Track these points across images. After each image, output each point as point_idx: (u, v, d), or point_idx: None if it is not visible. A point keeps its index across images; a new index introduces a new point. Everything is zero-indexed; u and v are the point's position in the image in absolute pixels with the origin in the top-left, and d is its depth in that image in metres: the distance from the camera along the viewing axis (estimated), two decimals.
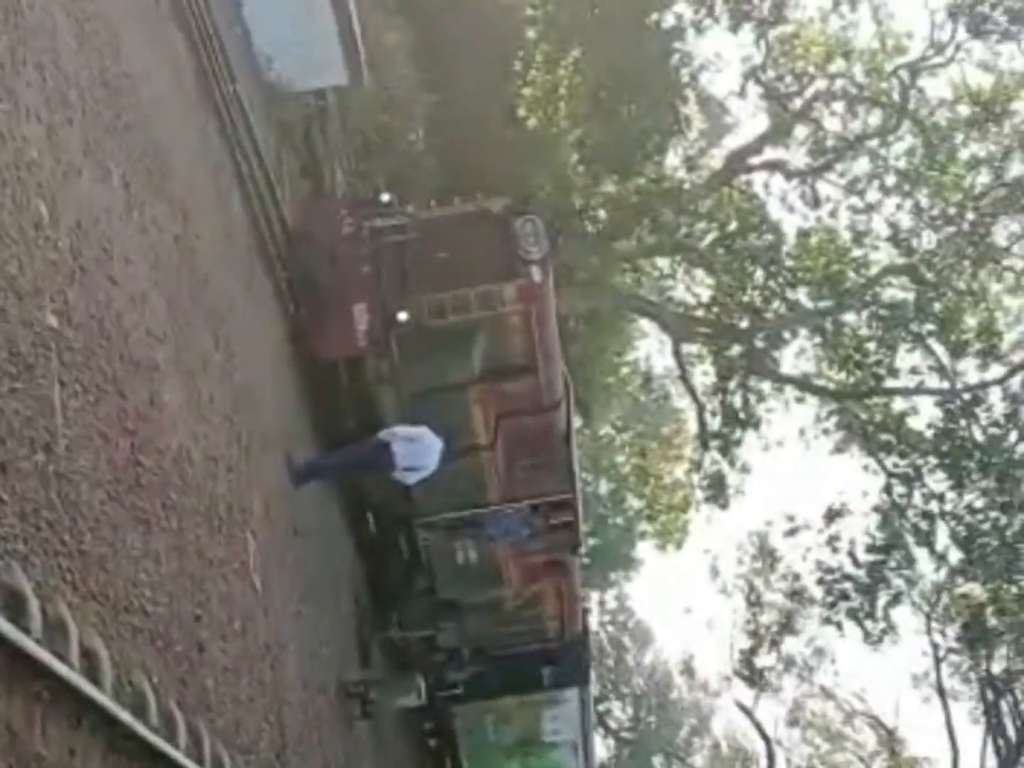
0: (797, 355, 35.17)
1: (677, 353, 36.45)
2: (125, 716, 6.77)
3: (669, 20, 30.88)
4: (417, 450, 16.08)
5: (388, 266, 17.81)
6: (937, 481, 32.48)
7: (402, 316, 17.44)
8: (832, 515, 35.11)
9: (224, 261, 13.46)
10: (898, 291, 32.72)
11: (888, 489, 33.82)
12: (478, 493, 19.92)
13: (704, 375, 37.00)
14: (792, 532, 37.80)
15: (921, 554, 33.67)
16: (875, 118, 32.97)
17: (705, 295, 36.05)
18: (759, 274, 33.25)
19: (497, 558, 21.62)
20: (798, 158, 34.03)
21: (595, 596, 52.83)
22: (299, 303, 17.44)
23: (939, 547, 33.17)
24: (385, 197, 18.90)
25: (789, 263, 33.14)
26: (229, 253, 14.02)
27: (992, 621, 33.33)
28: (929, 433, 32.46)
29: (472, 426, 19.04)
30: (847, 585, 34.71)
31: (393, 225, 18.10)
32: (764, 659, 44.98)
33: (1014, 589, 31.94)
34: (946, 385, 32.55)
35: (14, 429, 6.39)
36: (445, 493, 19.11)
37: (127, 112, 10.20)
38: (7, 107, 7.39)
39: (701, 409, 36.69)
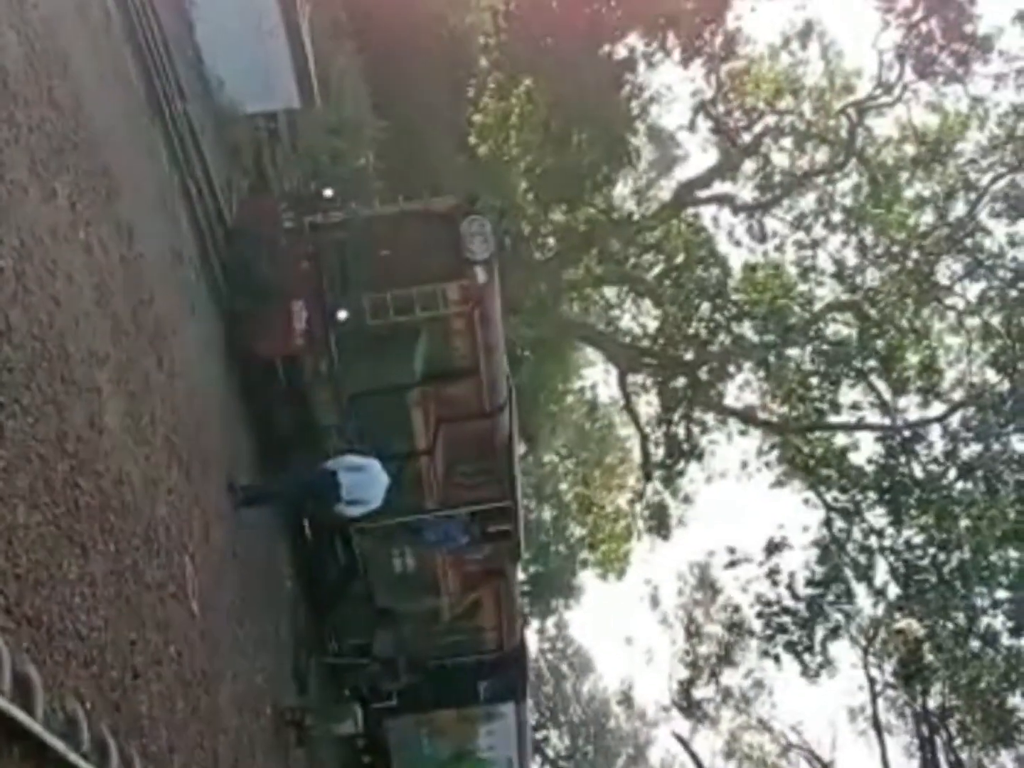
0: (741, 388, 35.42)
1: (622, 383, 36.60)
2: (56, 743, 6.69)
3: (621, 52, 31.10)
4: (363, 481, 15.67)
5: (329, 263, 17.31)
6: (877, 516, 32.80)
7: (342, 315, 17.01)
8: (772, 548, 35.22)
9: (169, 281, 13.36)
10: (842, 327, 33.11)
11: (828, 523, 34.04)
12: (416, 499, 19.25)
13: (648, 405, 37.22)
14: (733, 564, 37.84)
15: (860, 589, 33.90)
16: (822, 155, 33.34)
17: (651, 326, 36.24)
18: (705, 306, 33.48)
19: (435, 566, 21.15)
20: (746, 192, 34.37)
21: (535, 623, 52.72)
22: (236, 300, 16.60)
23: (878, 582, 33.46)
24: (327, 192, 18.43)
25: (735, 296, 33.40)
26: (175, 274, 13.93)
27: (929, 657, 33.54)
28: (869, 469, 32.72)
29: (411, 430, 18.52)
30: (786, 618, 34.85)
31: (334, 222, 17.62)
32: (702, 690, 45.03)
33: (951, 625, 32.17)
34: (887, 421, 32.82)
35: None
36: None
37: (75, 132, 10.14)
38: None
39: (645, 439, 36.83)
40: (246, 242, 16.93)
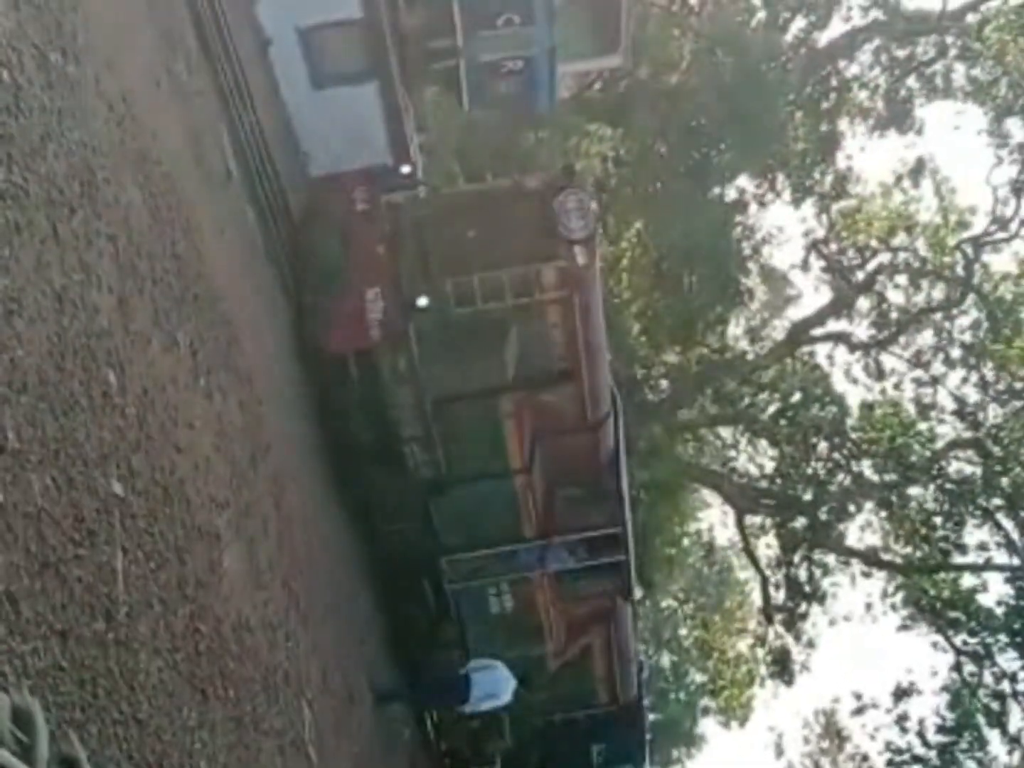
0: (863, 528, 34.67)
1: (740, 524, 36.14)
2: None
3: (731, 194, 31.33)
4: (493, 679, 15.26)
5: (407, 246, 15.67)
6: (1009, 660, 31.63)
7: (422, 302, 15.32)
8: (901, 693, 34.18)
9: (287, 426, 13.56)
10: (965, 465, 32.38)
11: (958, 667, 32.95)
12: (512, 526, 17.50)
13: (768, 547, 36.60)
14: (860, 710, 36.80)
15: (993, 736, 32.64)
16: (939, 291, 33.05)
17: (768, 466, 35.84)
18: (823, 445, 33.05)
19: (537, 606, 18.96)
20: (861, 330, 34.10)
21: None
22: (305, 293, 15.37)
23: (1012, 728, 32.17)
24: (406, 168, 16.94)
25: (853, 435, 32.92)
26: (292, 419, 14.13)
27: None
28: (999, 610, 31.70)
29: (504, 445, 16.65)
30: (917, 767, 33.68)
31: (415, 200, 16.29)
32: None
33: None
34: (1016, 561, 31.93)
35: (76, 596, 6.40)
36: (474, 525, 16.99)
37: (196, 283, 10.41)
38: (80, 277, 7.57)
39: (765, 582, 36.22)
40: (317, 226, 15.80)
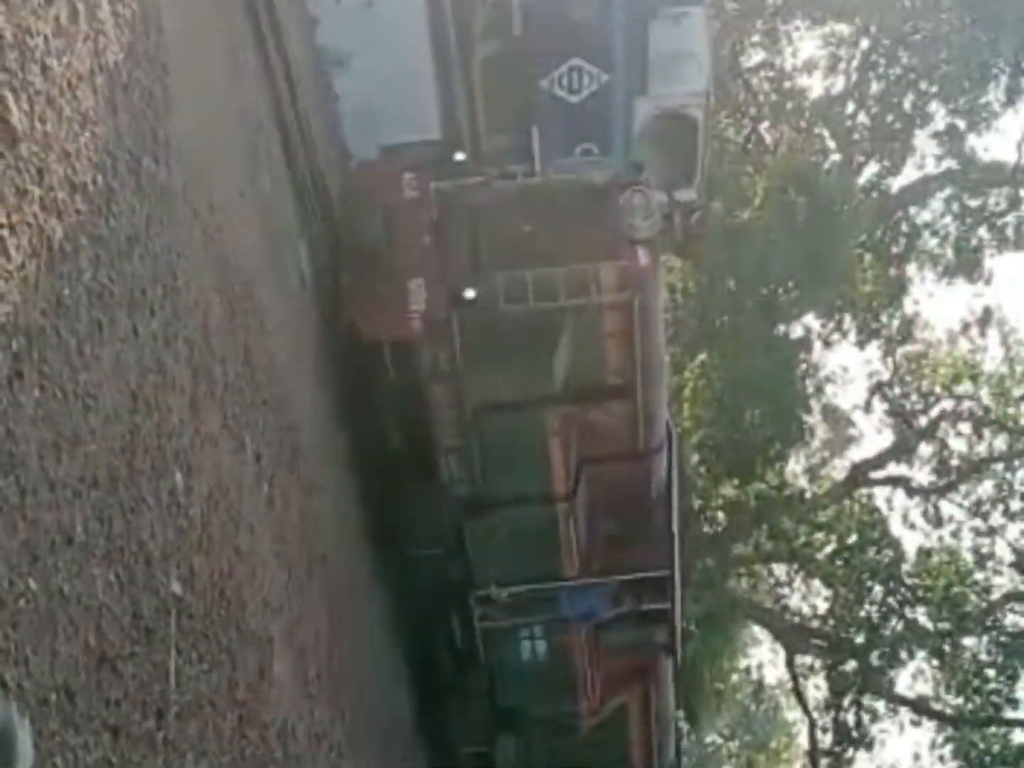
0: (914, 676, 34.06)
1: (790, 664, 35.66)
2: None
3: (797, 331, 31.40)
4: None
5: (457, 237, 14.66)
6: None
7: (469, 294, 14.14)
8: None
9: (343, 541, 13.66)
10: (1020, 618, 31.90)
11: None
12: (551, 561, 16.23)
13: (817, 689, 35.99)
14: None
15: None
16: (1001, 442, 32.77)
17: (821, 606, 35.43)
18: (877, 589, 32.67)
19: (572, 655, 17.52)
20: (922, 475, 33.82)
21: None
22: (343, 276, 14.51)
23: None
24: (459, 156, 15.68)
25: (908, 581, 32.53)
26: (349, 535, 14.23)
27: None
28: None
29: (548, 465, 15.39)
30: None
31: (467, 188, 15.02)
32: None
33: None
34: None
35: (129, 693, 6.49)
36: (510, 558, 15.77)
37: (265, 389, 10.62)
38: (156, 378, 7.75)
39: (812, 724, 35.56)
40: (361, 210, 14.82)
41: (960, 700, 32.71)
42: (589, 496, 16.15)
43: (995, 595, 32.09)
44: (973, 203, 31.43)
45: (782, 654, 36.57)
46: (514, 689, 17.69)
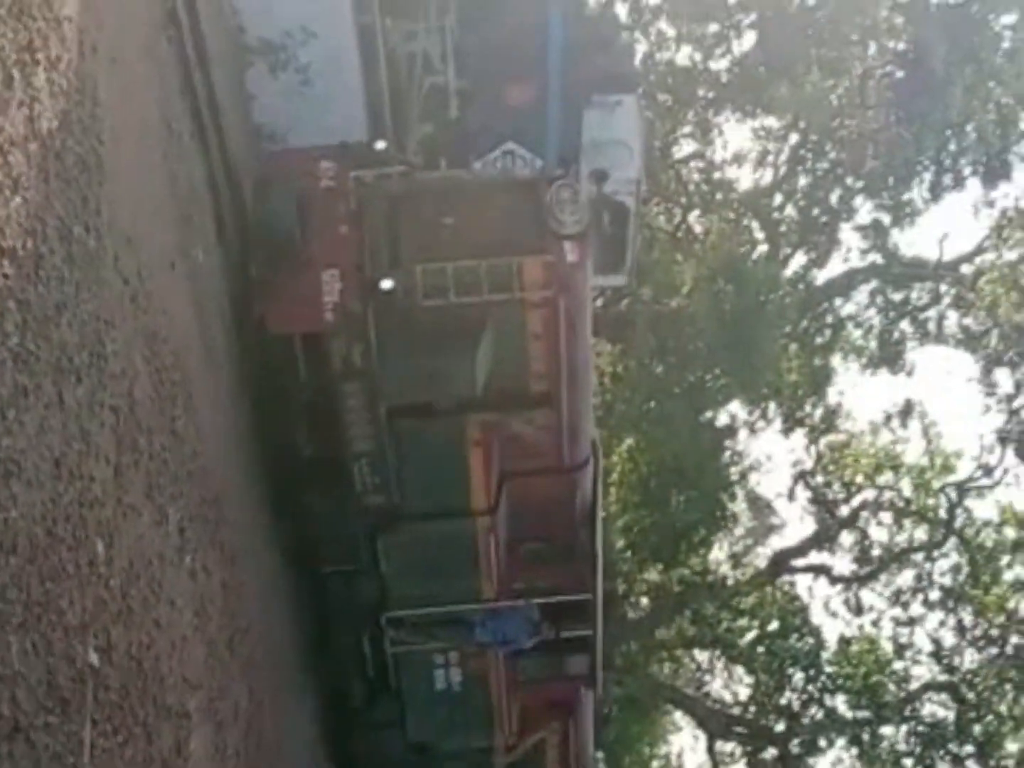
0: (833, 764, 34.01)
1: (711, 750, 35.57)
2: None
3: (723, 419, 31.71)
4: None
5: (375, 228, 13.84)
6: None
7: (386, 284, 13.36)
8: None
9: (267, 612, 13.55)
10: (939, 708, 32.07)
11: None
12: (468, 581, 15.35)
13: None
14: None
15: None
16: (921, 532, 33.11)
17: (743, 693, 35.47)
18: (798, 677, 32.77)
19: (488, 685, 16.56)
20: (843, 564, 34.08)
21: None
22: (253, 266, 13.68)
23: None
24: (380, 144, 14.86)
25: (829, 669, 32.64)
26: (273, 602, 14.13)
27: None
28: None
29: (468, 477, 14.47)
30: None
31: (388, 178, 14.33)
32: None
33: None
34: None
35: (42, 764, 6.40)
36: (426, 575, 14.87)
37: (192, 461, 10.58)
38: (80, 446, 7.73)
39: None
40: (275, 198, 14.05)
41: None
42: (511, 512, 15.28)
43: (914, 685, 32.26)
44: (896, 296, 32.01)
45: (703, 740, 36.49)
46: (426, 721, 16.67)
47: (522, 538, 15.67)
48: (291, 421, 14.14)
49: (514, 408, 14.50)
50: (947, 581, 32.61)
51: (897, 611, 33.20)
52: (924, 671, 32.65)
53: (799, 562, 34.28)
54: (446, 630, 15.91)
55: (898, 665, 32.71)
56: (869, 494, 33.27)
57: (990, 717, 30.76)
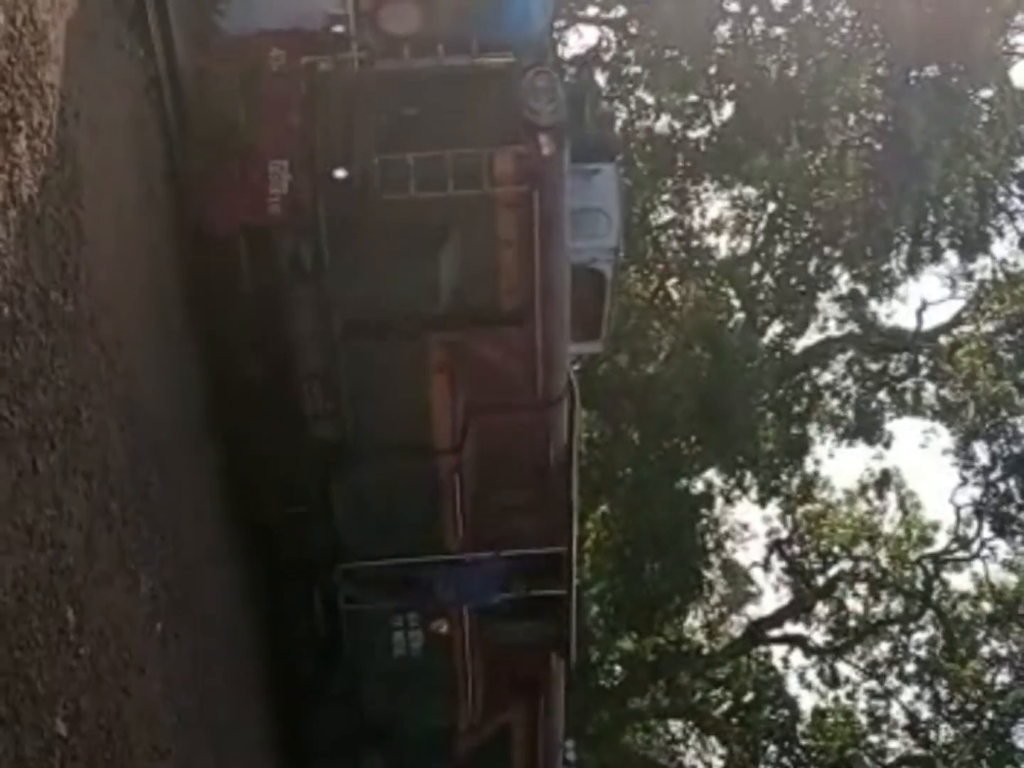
0: None
1: None
2: None
3: (699, 486, 31.64)
4: None
5: (329, 116, 12.21)
6: None
7: (340, 173, 11.79)
8: None
9: (236, 678, 13.41)
10: None
11: None
12: (431, 528, 13.69)
13: None
14: None
15: None
16: (897, 604, 33.09)
17: (716, 764, 35.27)
18: (772, 749, 32.61)
19: (453, 653, 14.91)
20: (818, 635, 33.97)
21: None
22: (195, 157, 12.02)
23: None
24: (337, 28, 12.68)
25: (803, 741, 32.52)
26: (242, 672, 13.98)
27: None
28: None
29: (431, 410, 12.89)
30: None
31: (345, 64, 12.46)
32: None
33: None
34: None
35: None
36: (383, 520, 13.18)
37: (165, 527, 10.46)
38: (52, 512, 7.62)
39: None
40: (214, 88, 12.38)
41: None
42: (478, 453, 13.50)
43: (889, 759, 32.17)
44: (874, 367, 32.13)
45: None
46: (383, 694, 15.02)
47: (490, 483, 13.90)
48: (234, 338, 12.50)
49: (483, 324, 12.75)
50: (923, 654, 32.58)
51: (873, 683, 33.13)
52: (899, 744, 32.60)
53: (774, 632, 34.19)
54: (406, 585, 14.25)
55: (873, 738, 32.64)
56: (845, 564, 33.27)
57: None
